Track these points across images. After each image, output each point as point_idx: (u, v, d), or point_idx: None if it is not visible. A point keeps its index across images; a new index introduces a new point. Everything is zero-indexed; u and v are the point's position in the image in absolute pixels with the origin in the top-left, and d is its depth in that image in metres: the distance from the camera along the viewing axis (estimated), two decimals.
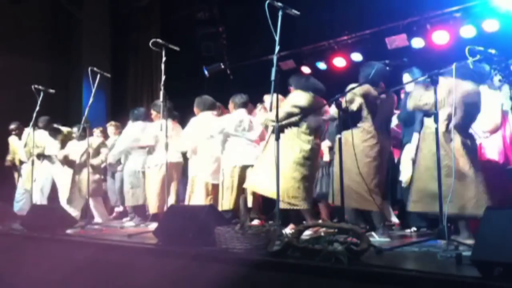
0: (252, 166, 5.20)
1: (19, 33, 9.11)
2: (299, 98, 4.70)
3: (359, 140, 4.21)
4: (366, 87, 4.22)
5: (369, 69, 4.33)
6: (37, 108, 6.24)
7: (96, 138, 7.11)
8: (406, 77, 4.82)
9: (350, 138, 4.02)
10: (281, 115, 4.31)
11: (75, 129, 7.12)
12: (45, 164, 7.35)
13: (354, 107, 4.19)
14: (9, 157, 7.86)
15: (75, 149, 6.83)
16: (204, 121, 5.77)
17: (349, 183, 4.04)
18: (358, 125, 4.25)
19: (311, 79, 4.94)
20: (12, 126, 7.75)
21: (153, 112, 6.26)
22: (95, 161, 6.74)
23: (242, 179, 5.28)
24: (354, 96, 4.19)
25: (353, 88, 4.08)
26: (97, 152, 6.86)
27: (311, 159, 4.73)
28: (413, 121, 4.60)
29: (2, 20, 8.95)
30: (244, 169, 5.36)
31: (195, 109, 5.95)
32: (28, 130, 7.30)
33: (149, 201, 6.01)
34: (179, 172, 6.14)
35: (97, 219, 6.58)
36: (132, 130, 6.46)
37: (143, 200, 6.26)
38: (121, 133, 7.25)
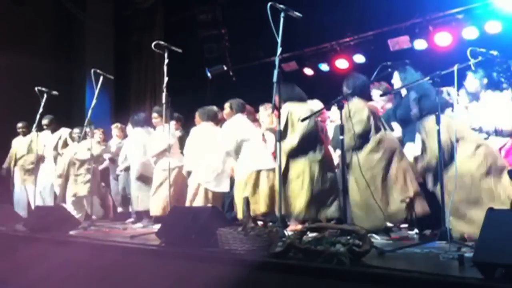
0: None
1: (23, 34, 9.14)
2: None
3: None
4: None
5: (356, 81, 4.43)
6: (41, 109, 6.27)
7: (96, 144, 7.12)
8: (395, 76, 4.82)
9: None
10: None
11: (76, 130, 7.13)
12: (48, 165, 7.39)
13: None
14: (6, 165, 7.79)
15: (78, 150, 6.86)
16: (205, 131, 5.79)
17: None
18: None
19: (296, 88, 5.01)
20: (19, 125, 7.63)
21: (156, 117, 6.22)
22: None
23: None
24: None
25: (340, 99, 4.08)
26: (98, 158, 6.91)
27: None
28: (411, 120, 4.58)
29: (6, 21, 8.98)
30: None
31: (197, 119, 5.95)
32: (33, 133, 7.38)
33: (152, 203, 6.00)
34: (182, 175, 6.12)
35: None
36: (139, 139, 6.43)
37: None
38: (125, 137, 7.26)
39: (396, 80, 4.61)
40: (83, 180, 6.81)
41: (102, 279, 3.61)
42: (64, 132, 7.33)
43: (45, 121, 7.31)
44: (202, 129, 5.81)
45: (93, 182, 6.46)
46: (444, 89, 4.31)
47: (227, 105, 5.59)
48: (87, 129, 6.03)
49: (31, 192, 7.18)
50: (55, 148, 7.25)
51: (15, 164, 7.59)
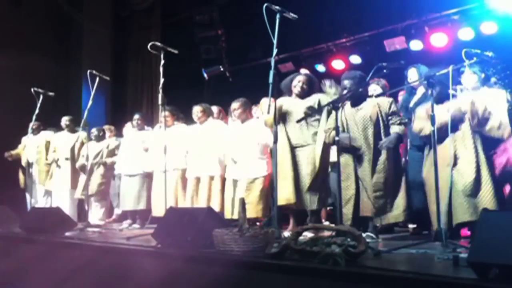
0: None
1: (20, 35, 9.12)
2: None
3: None
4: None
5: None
6: (37, 110, 6.26)
7: (113, 139, 7.15)
8: (412, 72, 4.84)
9: None
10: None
11: (93, 130, 7.10)
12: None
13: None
14: (14, 152, 7.74)
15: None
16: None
17: None
18: None
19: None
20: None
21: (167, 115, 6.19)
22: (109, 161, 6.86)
23: None
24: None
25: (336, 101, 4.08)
26: (111, 154, 6.94)
27: None
28: None
29: (3, 22, 8.97)
30: None
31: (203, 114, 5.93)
32: (46, 133, 7.40)
33: (154, 204, 5.99)
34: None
35: (97, 222, 6.59)
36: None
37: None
38: (115, 136, 7.28)
39: (414, 75, 4.72)
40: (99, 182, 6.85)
41: (98, 280, 3.61)
42: (82, 134, 7.24)
43: (65, 121, 7.33)
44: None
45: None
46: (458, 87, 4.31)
47: (200, 109, 5.84)
48: (84, 131, 6.02)
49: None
50: (72, 149, 7.21)
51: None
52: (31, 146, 7.47)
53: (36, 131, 7.44)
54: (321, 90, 4.95)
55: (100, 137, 7.06)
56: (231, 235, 3.16)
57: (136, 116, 6.59)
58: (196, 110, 5.87)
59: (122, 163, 6.57)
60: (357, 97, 4.38)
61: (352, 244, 2.80)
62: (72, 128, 7.39)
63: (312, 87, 4.88)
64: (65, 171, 7.20)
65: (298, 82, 4.85)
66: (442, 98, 3.92)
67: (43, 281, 3.91)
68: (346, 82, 4.37)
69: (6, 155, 7.73)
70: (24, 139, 7.73)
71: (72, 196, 7.07)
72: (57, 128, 7.58)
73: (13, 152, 7.76)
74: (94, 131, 7.02)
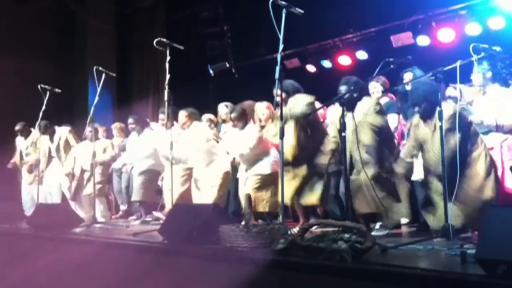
0: None
1: (25, 33, 9.14)
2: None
3: None
4: None
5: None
6: (43, 107, 6.27)
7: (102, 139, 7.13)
8: (408, 76, 4.83)
9: None
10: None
11: (89, 129, 7.03)
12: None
13: None
14: (13, 160, 7.71)
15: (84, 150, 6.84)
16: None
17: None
18: None
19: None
20: (17, 127, 7.55)
21: (163, 118, 6.10)
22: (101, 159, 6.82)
23: None
24: None
25: (342, 96, 4.05)
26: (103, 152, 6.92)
27: None
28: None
29: (8, 20, 8.99)
30: None
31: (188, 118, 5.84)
32: (34, 131, 7.33)
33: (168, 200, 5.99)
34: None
35: (100, 219, 6.61)
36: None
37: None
38: (125, 136, 7.28)
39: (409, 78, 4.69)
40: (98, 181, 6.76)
41: (105, 276, 3.62)
42: (62, 132, 7.21)
43: (41, 127, 7.11)
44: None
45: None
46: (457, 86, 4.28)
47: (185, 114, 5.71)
48: (90, 128, 6.02)
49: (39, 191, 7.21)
50: (57, 149, 7.18)
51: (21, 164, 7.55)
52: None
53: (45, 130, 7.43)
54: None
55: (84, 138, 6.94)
56: (237, 231, 3.16)
57: (129, 121, 6.56)
58: (181, 115, 5.85)
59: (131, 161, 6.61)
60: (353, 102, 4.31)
61: (358, 240, 2.79)
62: (51, 133, 7.24)
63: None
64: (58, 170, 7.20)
65: None
66: (428, 114, 3.83)
67: (50, 276, 3.93)
68: (342, 88, 4.29)
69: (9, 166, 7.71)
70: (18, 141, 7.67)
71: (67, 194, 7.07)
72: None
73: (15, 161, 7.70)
74: (89, 129, 6.77)
